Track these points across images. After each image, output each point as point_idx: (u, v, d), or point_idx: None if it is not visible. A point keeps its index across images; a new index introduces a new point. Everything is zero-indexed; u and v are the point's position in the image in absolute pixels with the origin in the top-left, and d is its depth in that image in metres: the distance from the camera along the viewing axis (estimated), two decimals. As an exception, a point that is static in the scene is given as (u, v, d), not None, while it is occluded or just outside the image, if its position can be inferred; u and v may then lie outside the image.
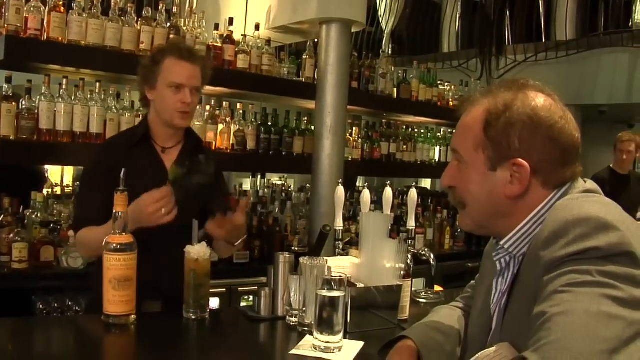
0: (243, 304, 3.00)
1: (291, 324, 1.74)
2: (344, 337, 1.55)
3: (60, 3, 2.64)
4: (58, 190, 4.20)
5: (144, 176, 1.92)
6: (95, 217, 1.93)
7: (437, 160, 4.54)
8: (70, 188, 4.34)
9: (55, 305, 2.68)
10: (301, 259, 1.68)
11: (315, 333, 1.51)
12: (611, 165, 4.92)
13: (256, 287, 3.04)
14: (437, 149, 4.54)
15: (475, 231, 1.24)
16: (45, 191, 3.60)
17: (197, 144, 2.20)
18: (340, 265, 1.75)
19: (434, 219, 4.16)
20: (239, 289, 3.06)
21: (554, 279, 0.95)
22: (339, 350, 1.50)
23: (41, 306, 2.66)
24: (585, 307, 0.89)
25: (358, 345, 1.57)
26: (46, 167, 4.20)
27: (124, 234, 1.62)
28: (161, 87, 2.01)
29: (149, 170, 2.02)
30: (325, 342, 1.49)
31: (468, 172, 1.15)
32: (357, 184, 5.24)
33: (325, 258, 1.73)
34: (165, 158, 2.08)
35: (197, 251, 1.74)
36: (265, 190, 4.05)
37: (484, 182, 1.13)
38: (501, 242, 1.14)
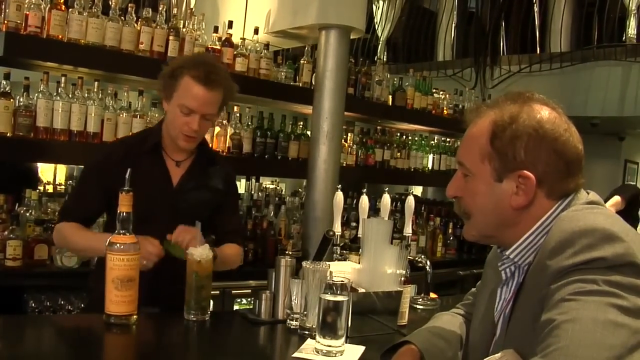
0: (236, 306, 2.99)
1: (292, 327, 1.75)
2: (345, 342, 1.56)
3: (61, 1, 2.63)
4: (50, 188, 4.18)
5: (148, 185, 1.88)
6: (81, 213, 2.00)
7: (430, 168, 4.55)
8: (63, 186, 4.30)
9: (47, 304, 2.65)
10: (304, 263, 1.68)
11: (317, 337, 1.52)
12: None
13: (249, 290, 3.08)
14: (431, 156, 4.55)
15: (480, 241, 1.26)
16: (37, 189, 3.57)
17: (210, 158, 2.14)
18: (341, 270, 1.75)
19: (426, 226, 4.18)
20: (233, 291, 3.06)
21: (561, 287, 0.97)
22: (341, 354, 1.51)
23: (33, 304, 2.64)
24: (592, 315, 0.91)
25: (359, 349, 1.58)
26: (37, 164, 4.16)
27: (127, 234, 1.61)
28: (174, 104, 1.94)
29: (154, 180, 1.99)
30: (328, 345, 1.50)
31: (474, 183, 1.17)
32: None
33: (327, 263, 1.74)
34: (173, 171, 2.03)
35: (200, 253, 1.74)
36: (259, 193, 4.05)
37: (490, 193, 1.15)
38: (506, 252, 1.16)
